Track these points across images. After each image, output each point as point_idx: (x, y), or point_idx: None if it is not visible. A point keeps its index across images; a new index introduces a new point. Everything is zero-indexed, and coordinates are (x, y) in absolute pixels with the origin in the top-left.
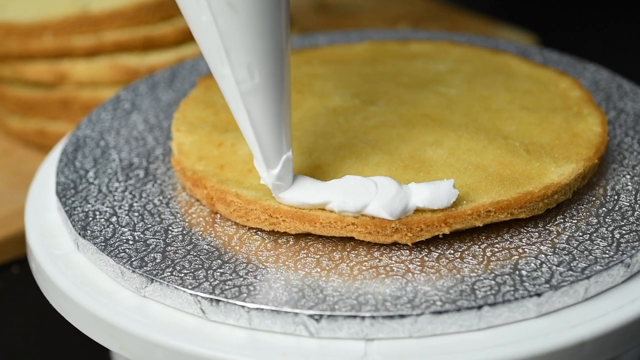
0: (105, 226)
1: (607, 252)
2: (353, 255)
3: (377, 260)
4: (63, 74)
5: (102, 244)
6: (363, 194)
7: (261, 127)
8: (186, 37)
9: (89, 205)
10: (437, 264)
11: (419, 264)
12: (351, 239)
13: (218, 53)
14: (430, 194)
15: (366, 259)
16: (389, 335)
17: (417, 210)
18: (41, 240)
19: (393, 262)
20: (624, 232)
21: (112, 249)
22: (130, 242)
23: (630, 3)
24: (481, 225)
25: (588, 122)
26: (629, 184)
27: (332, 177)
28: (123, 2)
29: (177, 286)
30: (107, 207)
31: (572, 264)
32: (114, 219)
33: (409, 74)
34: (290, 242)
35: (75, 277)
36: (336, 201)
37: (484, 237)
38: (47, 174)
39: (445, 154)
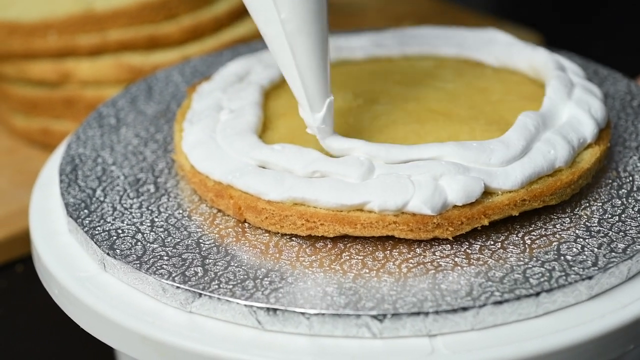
0: (133, 244)
1: None
2: (396, 253)
3: (422, 256)
4: (67, 73)
5: (137, 262)
6: (402, 192)
7: (306, 69)
8: (190, 36)
9: (108, 224)
10: (481, 256)
11: (464, 257)
12: (388, 237)
13: (267, 1)
14: (464, 187)
15: (410, 256)
16: (452, 329)
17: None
18: (60, 264)
19: (438, 257)
20: None
21: (148, 266)
22: (165, 258)
23: (635, 1)
24: (517, 214)
25: None
26: (638, 164)
27: None
28: (127, 1)
29: (229, 298)
30: (127, 224)
31: (611, 246)
32: (139, 235)
33: (398, 71)
34: (329, 246)
35: (110, 298)
36: (376, 200)
37: (518, 226)
38: (50, 176)
39: None
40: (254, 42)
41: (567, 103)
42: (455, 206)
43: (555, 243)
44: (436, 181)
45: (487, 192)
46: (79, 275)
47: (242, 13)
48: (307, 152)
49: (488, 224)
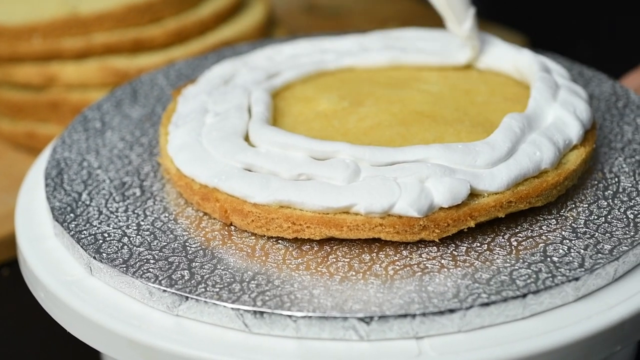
0: (119, 247)
1: (628, 232)
2: (382, 255)
3: (408, 258)
4: (52, 76)
5: (123, 266)
6: (388, 194)
7: None
8: (175, 39)
9: (94, 228)
10: (468, 258)
11: (450, 259)
12: (374, 239)
13: None
14: (450, 189)
15: (396, 258)
16: (438, 331)
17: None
18: (46, 268)
19: (424, 259)
20: (636, 212)
21: (134, 269)
22: (152, 262)
23: (621, 3)
24: (503, 216)
25: None
26: (624, 165)
27: None
28: (112, 4)
29: (216, 301)
30: (113, 228)
31: (598, 247)
32: (125, 239)
33: (383, 73)
34: (315, 248)
35: (96, 302)
36: (362, 203)
37: (504, 228)
38: (35, 180)
39: None
40: (238, 45)
41: (552, 104)
42: (441, 208)
43: (541, 244)
44: (422, 183)
45: (473, 194)
46: (65, 279)
47: (227, 16)
48: (292, 155)
49: (474, 225)
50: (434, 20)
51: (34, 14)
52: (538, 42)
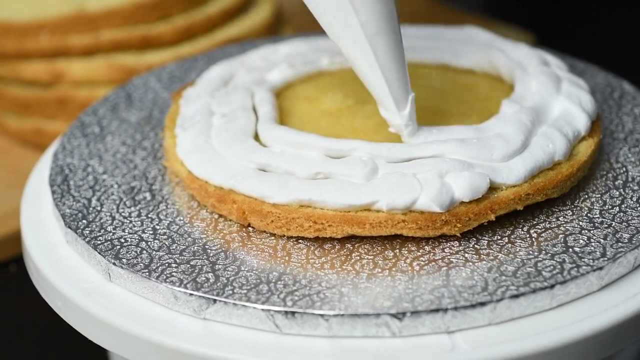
0: (138, 252)
1: None
2: (405, 251)
3: (431, 254)
4: (60, 73)
5: (145, 270)
6: (409, 190)
7: (389, 68)
8: (183, 37)
9: (109, 234)
10: (491, 251)
11: (473, 252)
12: (395, 236)
13: (344, 6)
14: (470, 183)
15: (419, 254)
16: (470, 325)
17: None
18: (62, 276)
19: (447, 253)
20: None
21: (157, 274)
22: (174, 266)
23: (628, 2)
24: (521, 208)
25: None
26: (629, 155)
27: None
28: (120, 1)
29: (245, 303)
30: (129, 233)
31: (617, 236)
32: (143, 244)
33: None
34: (337, 247)
35: (118, 308)
36: (384, 200)
37: (522, 220)
38: (38, 186)
39: None
40: (227, 46)
41: (556, 97)
42: (462, 202)
43: (561, 235)
44: (442, 178)
45: (492, 188)
46: (83, 287)
47: (235, 13)
48: (307, 154)
49: (494, 219)
50: (440, 19)
51: (42, 11)
52: (546, 41)
